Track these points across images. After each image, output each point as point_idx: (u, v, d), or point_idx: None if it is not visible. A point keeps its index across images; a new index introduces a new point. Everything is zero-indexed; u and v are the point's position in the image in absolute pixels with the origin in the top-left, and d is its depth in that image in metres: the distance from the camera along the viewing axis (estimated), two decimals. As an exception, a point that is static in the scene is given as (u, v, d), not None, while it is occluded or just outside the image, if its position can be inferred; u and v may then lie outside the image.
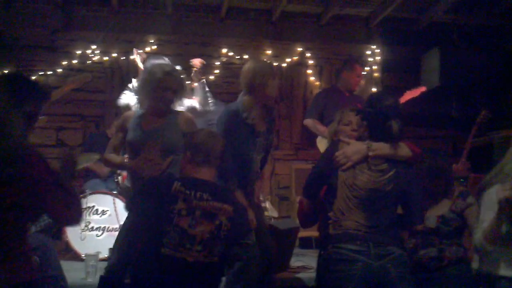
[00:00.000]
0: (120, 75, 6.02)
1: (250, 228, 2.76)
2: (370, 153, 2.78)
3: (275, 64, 6.23)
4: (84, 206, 4.46)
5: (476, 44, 6.05)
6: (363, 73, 5.75)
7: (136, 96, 3.64)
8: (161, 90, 3.28)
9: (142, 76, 3.56)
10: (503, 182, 2.57)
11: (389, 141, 2.80)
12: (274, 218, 5.02)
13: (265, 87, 3.37)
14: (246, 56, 6.10)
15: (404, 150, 2.82)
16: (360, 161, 2.78)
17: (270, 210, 5.07)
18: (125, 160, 3.39)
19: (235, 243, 2.60)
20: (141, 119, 3.36)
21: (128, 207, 3.03)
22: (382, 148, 2.79)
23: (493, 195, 2.59)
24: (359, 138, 2.92)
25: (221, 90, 6.06)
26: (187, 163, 2.71)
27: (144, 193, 2.66)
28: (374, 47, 6.37)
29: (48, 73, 5.82)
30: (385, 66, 6.39)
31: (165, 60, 4.00)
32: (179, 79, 3.33)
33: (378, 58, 6.36)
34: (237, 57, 6.17)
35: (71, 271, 3.86)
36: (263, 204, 4.34)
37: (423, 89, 5.18)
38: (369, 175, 2.77)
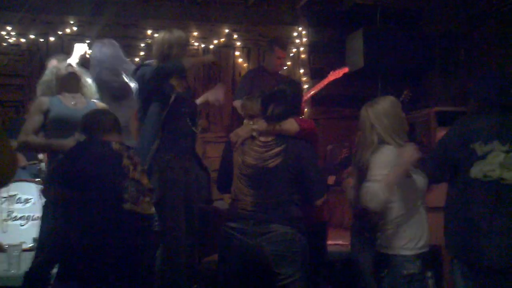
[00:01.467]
0: (39, 58, 5.71)
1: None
2: (253, 127, 2.92)
3: (202, 45, 6.19)
4: (5, 195, 4.27)
5: (398, 26, 6.23)
6: (287, 54, 5.76)
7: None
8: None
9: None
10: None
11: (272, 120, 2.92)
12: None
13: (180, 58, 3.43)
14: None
15: (290, 125, 2.90)
16: (247, 138, 2.92)
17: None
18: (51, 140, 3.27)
19: None
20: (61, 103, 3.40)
21: (46, 193, 2.92)
22: (263, 124, 2.92)
23: (384, 156, 2.67)
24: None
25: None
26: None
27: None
28: (300, 28, 6.43)
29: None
30: (311, 48, 6.47)
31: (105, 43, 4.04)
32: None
33: (304, 39, 6.43)
34: (163, 38, 6.02)
35: (-8, 263, 3.70)
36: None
37: (345, 70, 5.29)
38: (255, 151, 2.88)
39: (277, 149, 2.83)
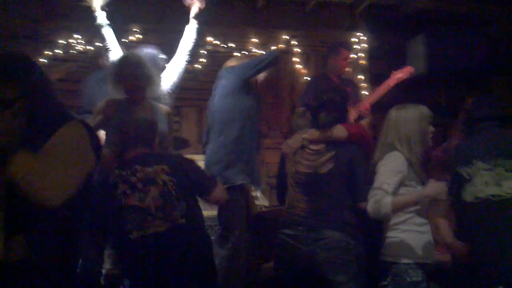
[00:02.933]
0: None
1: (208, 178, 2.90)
2: (304, 137, 2.99)
3: (261, 52, 6.23)
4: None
5: (461, 31, 6.08)
6: (349, 57, 5.71)
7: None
8: (116, 82, 3.29)
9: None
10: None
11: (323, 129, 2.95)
12: (265, 207, 5.00)
13: None
14: (231, 45, 6.04)
15: (339, 131, 2.93)
16: (298, 148, 2.98)
17: (261, 199, 5.05)
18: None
19: (192, 195, 2.67)
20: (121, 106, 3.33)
21: None
22: (314, 133, 2.96)
23: (393, 163, 2.66)
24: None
25: (207, 79, 6.00)
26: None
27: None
28: (360, 34, 6.36)
29: (31, 63, 5.70)
30: (371, 53, 6.39)
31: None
32: (135, 72, 3.26)
33: (364, 45, 6.36)
34: (222, 45, 6.11)
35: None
36: (253, 193, 4.33)
37: (411, 69, 5.11)
38: (306, 159, 2.91)
39: (328, 155, 2.86)
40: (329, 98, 3.03)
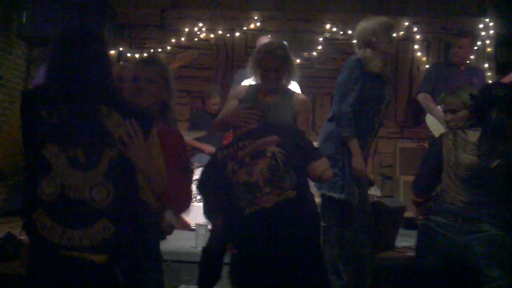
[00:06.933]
0: (225, 52, 6.17)
1: (315, 149, 2.77)
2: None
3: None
4: (193, 178, 4.64)
5: None
6: (469, 46, 5.40)
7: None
8: (263, 69, 3.22)
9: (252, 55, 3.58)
10: None
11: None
12: (377, 197, 4.96)
13: (385, 43, 3.40)
14: (350, 32, 5.99)
15: None
16: (459, 139, 2.84)
17: (373, 189, 5.00)
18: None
19: (305, 164, 2.61)
20: (256, 92, 3.32)
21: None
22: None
23: None
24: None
25: (324, 67, 6.03)
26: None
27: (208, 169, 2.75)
28: (488, 20, 6.00)
29: (158, 50, 6.07)
30: (499, 40, 6.02)
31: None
32: (281, 57, 3.22)
33: (491, 32, 6.00)
34: (341, 32, 6.08)
35: (181, 239, 4.08)
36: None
37: None
38: (469, 152, 2.78)
39: (493, 150, 2.75)
40: (499, 94, 2.84)
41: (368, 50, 3.41)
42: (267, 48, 3.24)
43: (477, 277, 2.66)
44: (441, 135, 2.99)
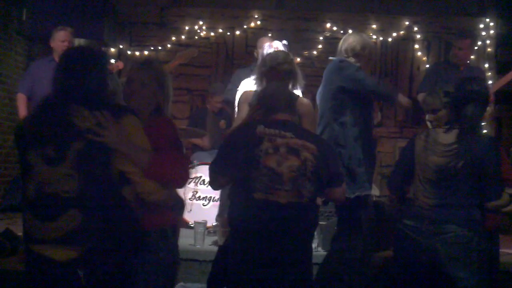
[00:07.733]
0: (225, 50, 6.18)
1: (340, 173, 2.77)
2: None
3: (380, 38, 6.12)
4: (192, 176, 4.65)
5: None
6: (470, 46, 5.39)
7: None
8: (268, 81, 3.19)
9: (258, 63, 3.58)
10: None
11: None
12: (376, 196, 4.95)
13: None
14: (350, 31, 5.98)
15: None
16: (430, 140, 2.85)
17: (372, 188, 4.99)
18: None
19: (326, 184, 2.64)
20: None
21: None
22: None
23: None
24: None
25: (324, 66, 5.94)
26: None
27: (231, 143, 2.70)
28: (488, 20, 6.00)
29: (158, 48, 6.07)
30: (499, 40, 6.02)
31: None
32: (286, 73, 3.24)
33: (491, 31, 6.00)
34: (341, 31, 6.07)
35: (180, 237, 4.06)
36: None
37: None
38: (438, 153, 2.78)
39: (461, 150, 2.73)
40: (473, 90, 2.81)
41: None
42: (272, 63, 3.23)
43: (448, 280, 2.65)
44: (415, 135, 2.99)
